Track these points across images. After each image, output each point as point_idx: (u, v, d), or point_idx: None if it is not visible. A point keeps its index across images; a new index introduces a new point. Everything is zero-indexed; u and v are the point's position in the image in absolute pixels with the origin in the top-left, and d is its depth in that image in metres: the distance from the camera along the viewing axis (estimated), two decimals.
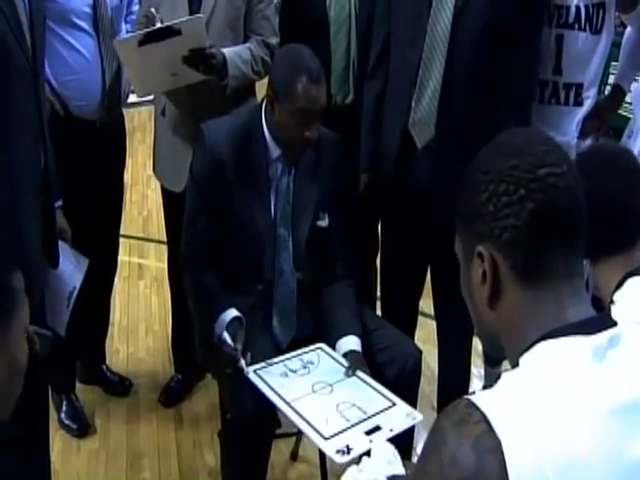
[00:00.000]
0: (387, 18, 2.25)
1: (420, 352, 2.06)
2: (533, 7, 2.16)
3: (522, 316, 0.90)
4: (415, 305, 2.50)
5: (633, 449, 0.80)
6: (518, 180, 0.88)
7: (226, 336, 1.94)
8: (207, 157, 2.03)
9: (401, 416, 1.76)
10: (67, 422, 2.66)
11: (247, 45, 2.44)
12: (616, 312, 1.37)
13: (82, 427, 2.66)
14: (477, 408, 0.81)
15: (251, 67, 2.41)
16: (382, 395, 1.83)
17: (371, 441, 1.64)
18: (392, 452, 1.30)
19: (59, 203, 2.07)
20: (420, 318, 2.56)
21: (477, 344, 2.56)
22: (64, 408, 2.68)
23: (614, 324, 0.89)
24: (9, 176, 1.73)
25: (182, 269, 2.15)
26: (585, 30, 2.23)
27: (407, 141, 2.22)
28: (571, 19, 2.23)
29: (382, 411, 1.77)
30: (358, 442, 1.65)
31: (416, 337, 2.43)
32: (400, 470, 1.27)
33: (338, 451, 1.62)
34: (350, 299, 2.14)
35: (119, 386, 2.89)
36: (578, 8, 2.22)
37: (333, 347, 2.02)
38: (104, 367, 2.91)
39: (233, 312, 1.98)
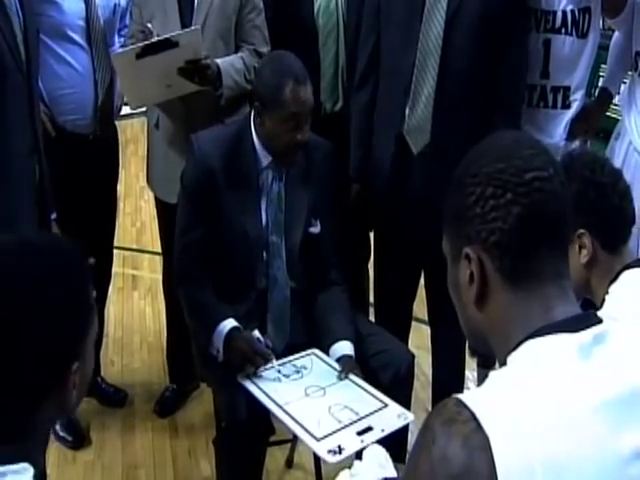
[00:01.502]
0: (375, 27, 2.27)
1: (413, 356, 2.06)
2: (523, 9, 2.19)
3: (510, 317, 0.91)
4: (409, 311, 2.50)
5: (619, 444, 0.81)
6: (505, 184, 0.89)
7: (258, 334, 1.97)
8: (197, 168, 2.04)
9: (393, 417, 1.77)
10: (62, 434, 2.65)
11: (239, 55, 2.45)
12: (610, 303, 1.40)
13: (77, 439, 2.65)
14: (466, 407, 0.82)
15: (244, 76, 2.42)
16: (374, 397, 1.85)
17: (362, 441, 1.66)
18: (384, 455, 1.31)
19: (53, 215, 2.08)
20: (414, 323, 2.57)
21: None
22: (59, 424, 2.67)
23: (599, 321, 0.90)
24: (5, 188, 1.74)
25: (176, 283, 2.15)
26: (572, 34, 2.26)
27: (401, 148, 2.23)
28: (558, 24, 2.26)
29: (374, 412, 1.78)
30: (350, 442, 1.66)
31: (410, 342, 2.43)
32: (392, 473, 1.27)
33: (330, 451, 1.63)
34: (344, 305, 2.14)
35: (114, 397, 2.88)
36: (565, 13, 2.25)
37: (327, 352, 2.03)
38: (99, 379, 2.90)
39: (232, 322, 1.99)
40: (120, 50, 2.38)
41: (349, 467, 1.29)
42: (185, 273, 2.10)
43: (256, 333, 1.98)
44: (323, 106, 2.51)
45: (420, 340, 2.71)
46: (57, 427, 2.65)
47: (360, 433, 1.70)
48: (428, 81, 2.14)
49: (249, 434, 1.85)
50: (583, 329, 0.87)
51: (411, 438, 2.07)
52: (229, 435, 1.93)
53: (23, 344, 0.94)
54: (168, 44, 2.21)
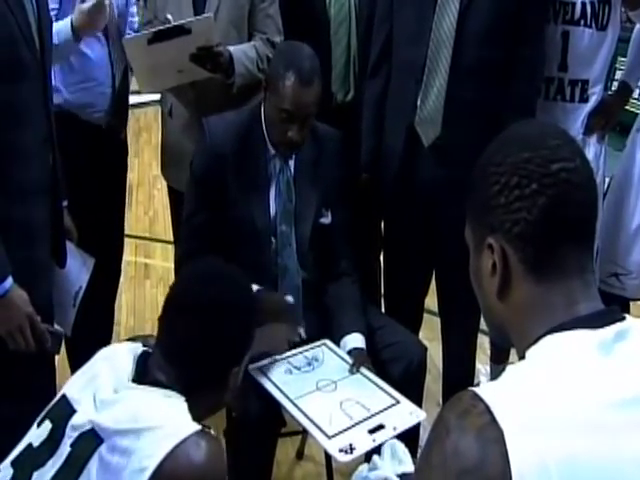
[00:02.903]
0: (389, 16, 2.25)
1: (425, 349, 2.05)
2: (539, 2, 2.16)
3: (532, 310, 0.90)
4: (420, 303, 2.49)
5: (637, 443, 0.80)
6: (531, 174, 0.88)
7: (290, 298, 1.99)
8: (207, 154, 2.04)
9: (404, 414, 1.76)
10: None
11: (252, 43, 2.44)
12: None
13: None
14: (481, 399, 0.81)
15: (257, 65, 2.41)
16: (386, 393, 1.83)
17: (374, 440, 1.65)
18: (403, 450, 1.30)
19: (64, 203, 2.08)
20: (425, 315, 2.55)
21: (482, 340, 2.55)
22: None
23: (623, 318, 0.88)
24: (18, 176, 1.74)
25: (180, 265, 2.12)
26: (591, 26, 2.23)
27: (412, 139, 2.21)
28: (577, 15, 2.22)
29: (386, 409, 1.77)
30: (361, 441, 1.65)
31: (421, 334, 2.42)
32: (411, 468, 1.26)
33: (341, 450, 1.62)
34: (355, 296, 2.13)
35: None
36: (584, 4, 2.21)
37: (337, 344, 2.02)
38: None
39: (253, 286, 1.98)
40: (131, 35, 2.37)
41: (368, 462, 1.29)
42: (190, 253, 2.07)
43: (289, 297, 2.00)
44: (334, 96, 2.49)
45: (432, 332, 2.70)
46: None
47: (372, 431, 1.68)
48: (440, 73, 2.12)
49: (260, 426, 1.84)
50: (606, 325, 0.85)
51: (423, 432, 2.06)
52: (240, 427, 1.92)
53: (211, 345, 1.28)
54: (180, 31, 2.20)
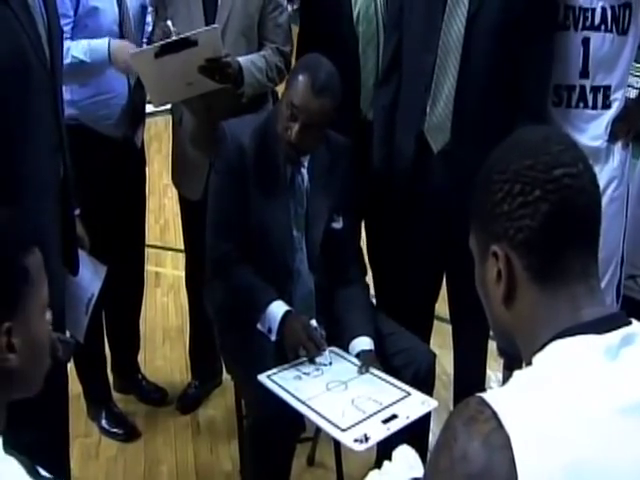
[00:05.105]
0: (399, 25, 2.26)
1: (434, 355, 2.05)
2: (546, 7, 2.15)
3: (537, 316, 0.90)
4: (431, 310, 2.49)
5: None
6: (533, 181, 0.88)
7: (315, 323, 2.01)
8: (229, 147, 2.07)
9: (416, 404, 1.77)
10: (113, 430, 2.69)
11: (261, 53, 2.45)
12: None
13: (128, 430, 2.69)
14: (488, 405, 0.81)
15: (266, 74, 2.43)
16: (396, 387, 1.84)
17: (388, 429, 1.65)
18: (413, 456, 1.30)
19: (77, 212, 2.09)
20: (436, 322, 2.55)
21: (493, 347, 2.54)
22: (104, 419, 2.72)
23: (629, 322, 0.88)
24: (29, 185, 1.75)
25: (215, 272, 2.14)
26: (612, 31, 2.18)
27: (422, 146, 2.22)
28: (597, 21, 2.17)
29: (397, 401, 1.78)
30: (376, 431, 1.65)
31: (432, 341, 2.42)
32: (421, 474, 1.26)
33: (356, 440, 1.62)
34: (363, 301, 2.15)
35: (155, 395, 2.89)
36: (604, 9, 2.17)
37: (346, 349, 2.03)
38: (139, 376, 2.92)
39: (284, 305, 2.00)
40: (138, 49, 2.38)
41: (378, 467, 1.29)
42: (224, 256, 2.09)
43: (313, 322, 2.01)
44: (363, 114, 2.44)
45: (442, 339, 2.70)
46: (106, 425, 2.70)
47: (385, 421, 1.69)
48: (449, 79, 2.13)
49: (279, 431, 1.84)
50: (611, 330, 0.85)
51: (432, 438, 2.06)
52: (260, 431, 1.91)
53: None
54: (187, 43, 2.20)
